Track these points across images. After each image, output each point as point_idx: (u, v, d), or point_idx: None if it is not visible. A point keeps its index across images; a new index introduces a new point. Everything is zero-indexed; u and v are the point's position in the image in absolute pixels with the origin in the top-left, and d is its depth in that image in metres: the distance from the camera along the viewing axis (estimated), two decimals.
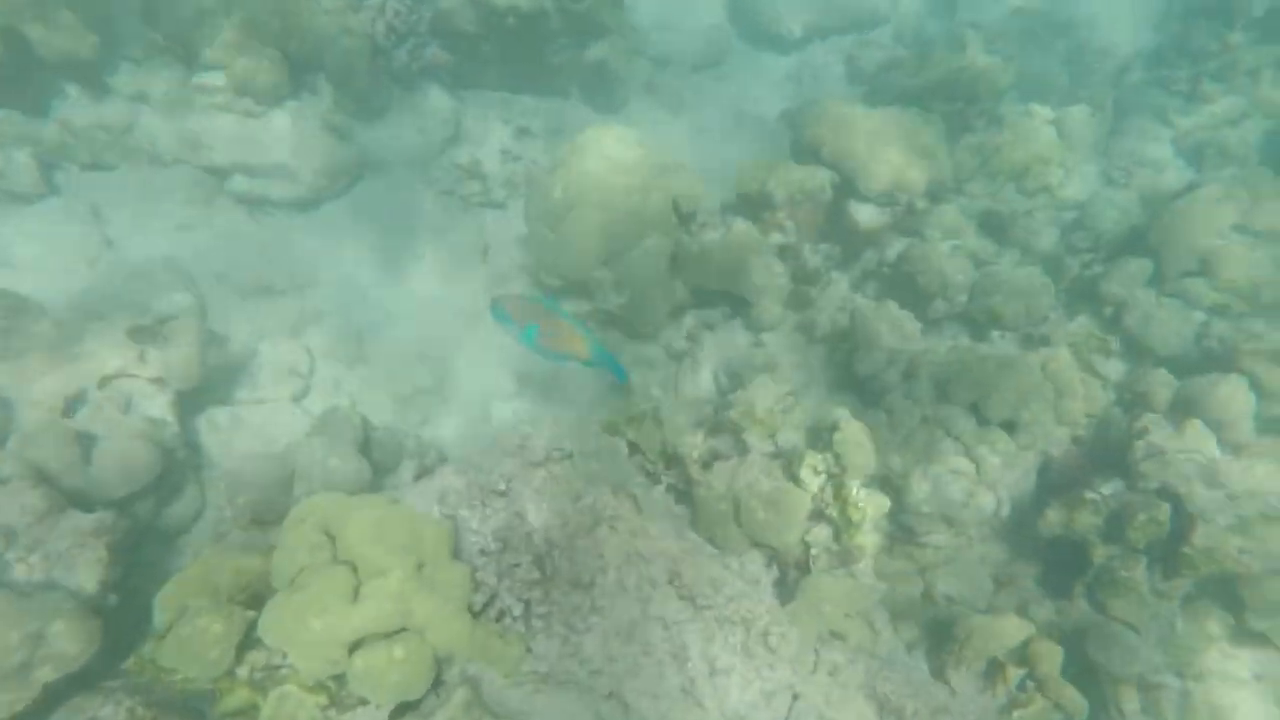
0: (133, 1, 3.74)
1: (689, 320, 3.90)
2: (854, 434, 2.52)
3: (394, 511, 1.93)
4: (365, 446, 2.54)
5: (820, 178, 3.75)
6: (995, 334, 3.43)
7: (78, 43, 3.43)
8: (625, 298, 3.70)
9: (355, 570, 1.83)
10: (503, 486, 2.15)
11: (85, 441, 2.38)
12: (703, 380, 3.67)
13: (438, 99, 4.62)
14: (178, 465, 2.60)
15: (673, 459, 2.68)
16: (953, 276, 3.43)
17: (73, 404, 2.49)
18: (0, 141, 3.34)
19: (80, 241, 3.45)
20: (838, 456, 2.53)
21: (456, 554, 1.99)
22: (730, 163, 4.77)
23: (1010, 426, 2.48)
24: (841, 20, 5.80)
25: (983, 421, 2.52)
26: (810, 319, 3.81)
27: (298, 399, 3.28)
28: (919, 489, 2.46)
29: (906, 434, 2.62)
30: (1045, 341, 3.20)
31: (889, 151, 3.79)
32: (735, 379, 3.44)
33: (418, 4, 4.29)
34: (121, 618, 2.10)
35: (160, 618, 1.81)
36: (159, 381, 2.68)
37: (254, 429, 2.94)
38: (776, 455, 2.55)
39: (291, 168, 3.92)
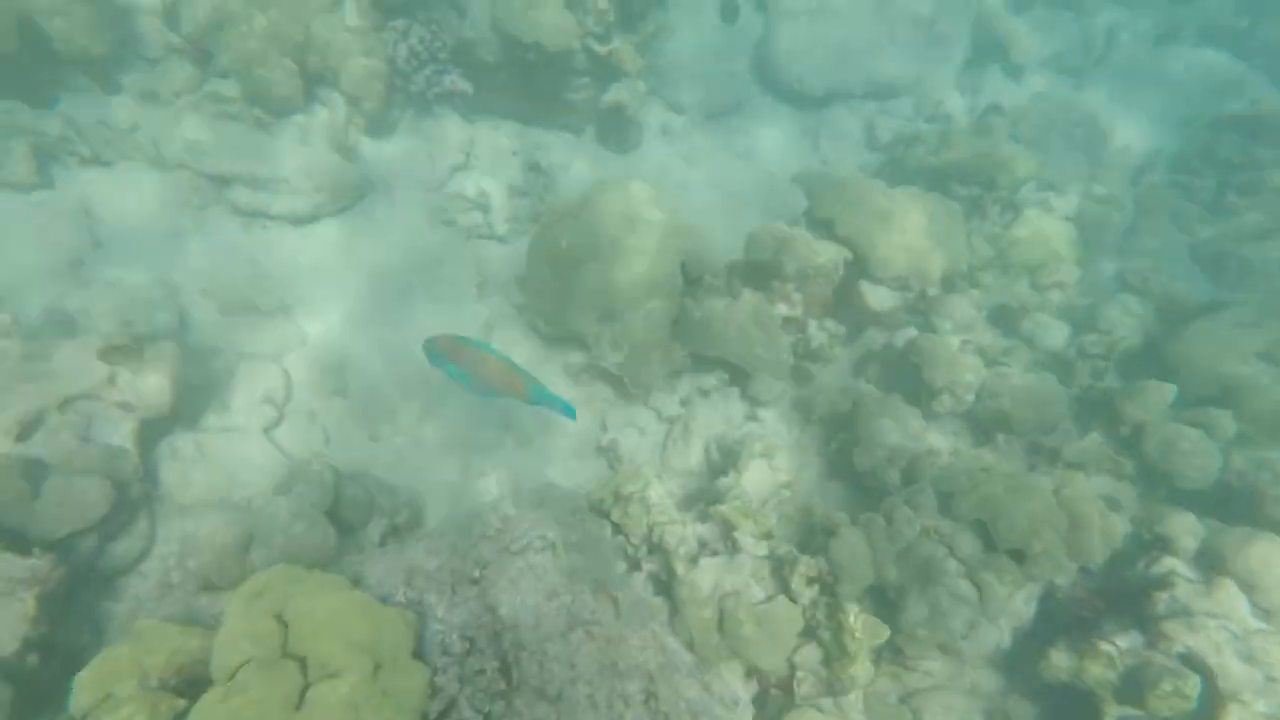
0: (154, 1, 3.63)
1: (684, 384, 3.79)
2: (852, 545, 2.40)
3: (354, 601, 1.78)
4: (335, 507, 2.38)
5: (834, 255, 3.68)
6: (1001, 437, 3.34)
7: (93, 39, 3.31)
8: (622, 356, 3.59)
9: (304, 667, 1.67)
10: (476, 574, 2.00)
11: (36, 470, 2.21)
12: (693, 451, 3.54)
13: (450, 125, 4.53)
14: (130, 500, 2.43)
15: (657, 547, 2.54)
16: (961, 374, 3.34)
17: (30, 427, 2.32)
18: (5, 131, 3.19)
19: (67, 240, 3.30)
20: (833, 567, 2.40)
21: (418, 649, 1.84)
22: (740, 219, 4.73)
23: (1018, 554, 2.37)
24: (864, 86, 5.79)
25: (989, 546, 2.41)
26: (809, 398, 3.71)
27: (269, 429, 3.12)
28: (915, 610, 2.34)
29: (905, 546, 2.50)
30: (1055, 455, 3.10)
31: (907, 236, 3.73)
32: (728, 456, 3.32)
33: (441, 31, 4.22)
34: (41, 672, 1.93)
35: (79, 701, 1.64)
36: (125, 407, 2.52)
37: (217, 461, 2.77)
38: (768, 558, 2.42)
39: (293, 182, 3.80)
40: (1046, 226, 4.28)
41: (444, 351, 2.70)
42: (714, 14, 6.08)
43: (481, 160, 4.53)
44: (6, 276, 3.05)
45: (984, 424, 3.42)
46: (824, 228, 3.93)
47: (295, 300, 3.65)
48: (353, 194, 4.04)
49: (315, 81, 4.04)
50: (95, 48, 3.33)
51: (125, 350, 2.58)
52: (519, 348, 3.86)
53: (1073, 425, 3.34)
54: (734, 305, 3.64)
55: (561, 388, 3.77)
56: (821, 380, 3.82)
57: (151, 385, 2.51)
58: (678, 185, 5.03)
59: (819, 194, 4.00)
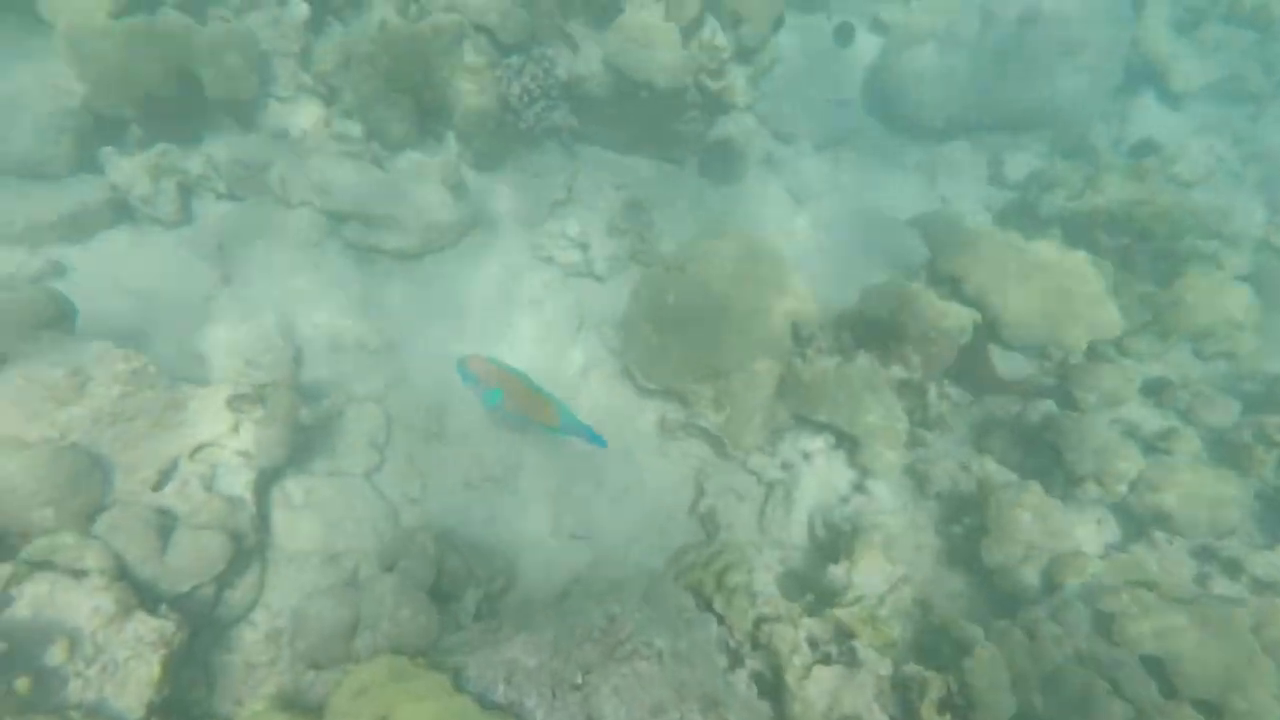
0: (291, 44, 3.79)
1: (786, 446, 3.56)
2: (991, 670, 2.11)
3: (456, 709, 1.70)
4: (436, 580, 2.35)
5: (963, 319, 3.34)
6: (1160, 536, 2.91)
7: (241, 84, 3.49)
8: (723, 418, 3.41)
9: None
10: (579, 679, 1.89)
11: (166, 521, 2.29)
12: (795, 522, 3.31)
13: (553, 159, 4.51)
14: (245, 550, 2.49)
15: (763, 646, 2.34)
16: (1113, 462, 2.94)
17: (165, 476, 2.41)
18: (156, 172, 3.41)
19: (201, 276, 3.48)
20: (967, 692, 2.13)
21: None
22: (850, 262, 4.43)
23: (1210, 708, 2.00)
24: (992, 117, 5.33)
25: (1168, 690, 2.05)
26: (925, 469, 3.39)
27: (371, 473, 3.15)
28: None
29: (1054, 672, 2.18)
30: (1236, 567, 2.66)
31: (1047, 299, 3.35)
32: (835, 535, 3.07)
33: (553, 67, 4.19)
34: None
35: None
36: (246, 455, 2.59)
37: (323, 509, 2.81)
38: (891, 676, 2.17)
39: (403, 219, 3.87)
40: (1215, 285, 3.73)
41: (475, 372, 2.71)
42: (826, 37, 5.79)
43: (582, 195, 4.48)
44: (149, 313, 3.25)
45: (1139, 518, 3.00)
46: (949, 284, 3.59)
47: (399, 338, 3.71)
48: (459, 231, 4.08)
49: (430, 117, 4.11)
50: (242, 91, 3.50)
51: (249, 398, 2.64)
52: (613, 395, 3.76)
53: (1255, 528, 2.87)
54: (845, 367, 3.38)
55: (654, 442, 3.64)
56: (939, 448, 3.49)
57: (271, 436, 2.57)
58: (783, 223, 4.79)
59: (944, 244, 3.67)
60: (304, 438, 3.02)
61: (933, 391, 3.44)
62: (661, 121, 4.56)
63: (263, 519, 2.69)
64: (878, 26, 5.75)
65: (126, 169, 3.43)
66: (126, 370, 2.41)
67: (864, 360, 3.36)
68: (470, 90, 4.01)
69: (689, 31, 4.09)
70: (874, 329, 3.47)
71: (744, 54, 4.37)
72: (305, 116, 3.92)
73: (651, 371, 3.53)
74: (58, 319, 2.50)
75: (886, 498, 3.34)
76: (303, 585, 2.59)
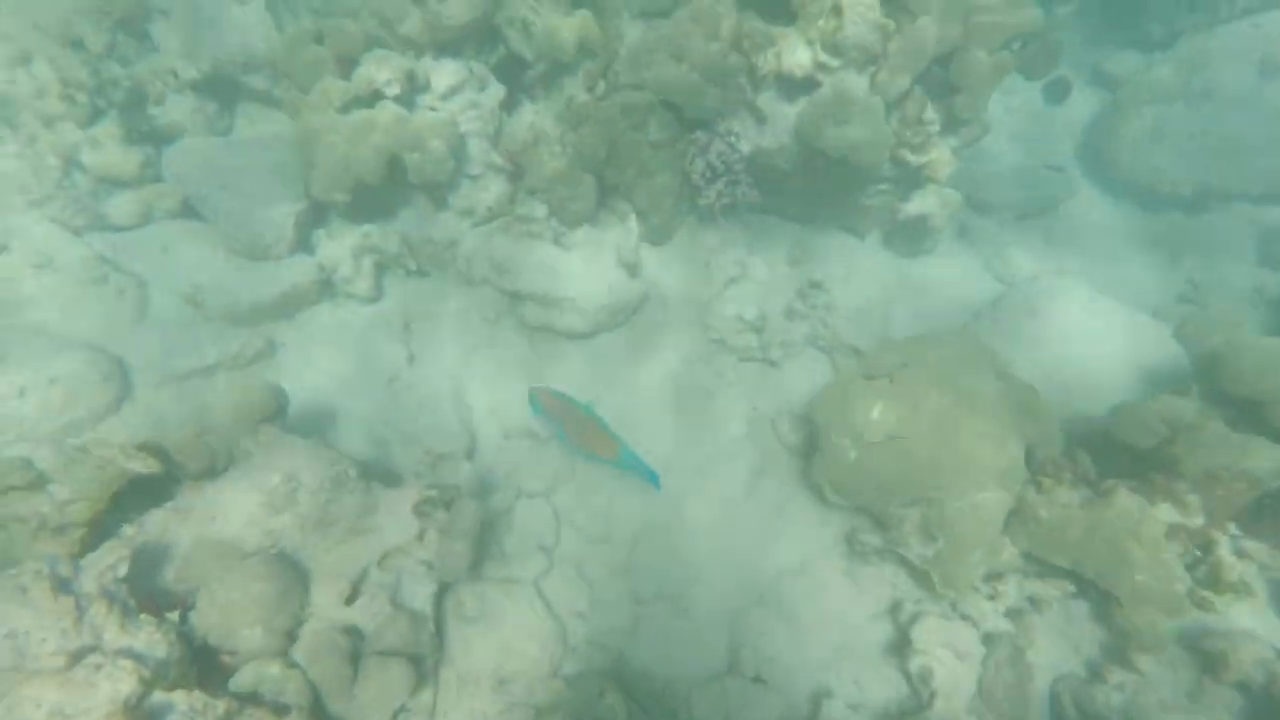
0: (487, 126, 3.86)
1: (1010, 588, 2.98)
2: None
3: None
4: None
5: (1269, 460, 2.62)
6: None
7: (440, 168, 3.58)
8: (934, 551, 2.90)
9: None
10: None
11: (356, 644, 2.21)
12: (1030, 691, 2.71)
13: (730, 234, 4.26)
14: (424, 672, 2.36)
15: None
16: None
17: (358, 588, 2.36)
18: (359, 252, 3.57)
19: (388, 355, 3.56)
20: None
21: None
22: (1079, 366, 3.74)
23: None
24: (1263, 183, 4.41)
25: None
26: (1216, 649, 2.66)
27: (539, 579, 2.99)
28: None
29: None
30: None
31: None
32: None
33: (739, 142, 3.97)
34: None
35: None
36: (429, 566, 2.49)
37: (496, 624, 2.65)
38: None
39: (577, 299, 3.77)
40: None
41: (545, 405, 2.84)
42: (1033, 93, 5.14)
43: (758, 274, 4.19)
44: (342, 395, 3.34)
45: None
46: (1241, 407, 2.87)
47: None
48: (631, 311, 3.93)
49: (610, 194, 4.03)
50: (440, 175, 3.60)
51: (434, 501, 2.56)
52: (793, 505, 3.37)
53: None
54: (1099, 506, 2.76)
55: (839, 562, 3.19)
56: (1234, 621, 2.74)
57: (454, 551, 2.46)
58: (980, 305, 4.20)
59: (1235, 359, 2.94)
60: (479, 534, 2.93)
61: (1224, 545, 2.73)
62: (848, 194, 4.18)
63: (438, 627, 2.59)
64: (1100, 79, 5.02)
65: (334, 250, 3.61)
66: (331, 475, 2.40)
67: (1126, 500, 2.72)
68: (652, 167, 3.88)
69: (894, 102, 3.71)
70: (1134, 457, 2.83)
71: (952, 124, 3.90)
72: (491, 194, 3.97)
73: (845, 487, 3.10)
74: (276, 413, 2.56)
75: (1157, 674, 2.65)
76: (474, 713, 2.43)
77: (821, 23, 3.49)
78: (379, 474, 2.79)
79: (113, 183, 3.42)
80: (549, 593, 2.95)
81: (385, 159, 3.47)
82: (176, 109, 3.65)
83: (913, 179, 4.06)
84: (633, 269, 3.94)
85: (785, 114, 3.92)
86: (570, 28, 3.81)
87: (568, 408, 2.81)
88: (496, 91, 3.91)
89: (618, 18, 4.03)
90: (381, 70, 3.43)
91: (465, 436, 3.28)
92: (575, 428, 2.80)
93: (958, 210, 4.21)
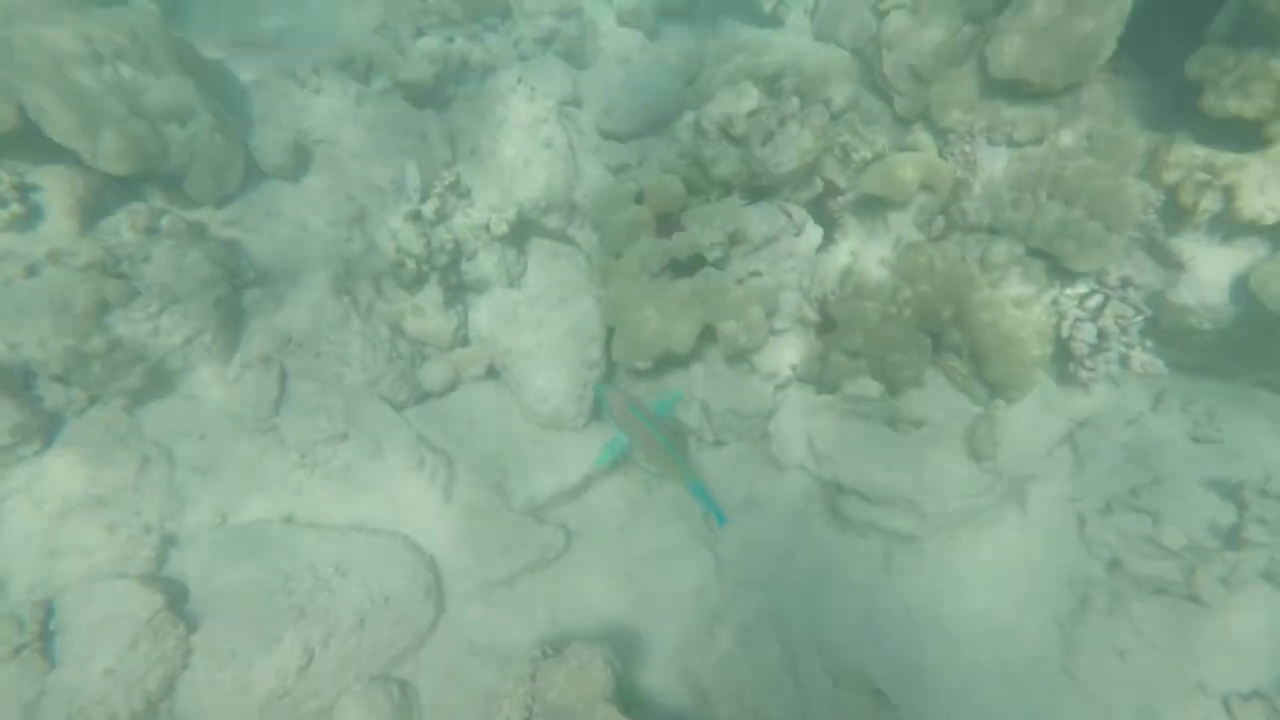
0: (803, 278, 3.33)
1: None
2: None
3: None
4: None
5: None
6: None
7: (756, 336, 3.11)
8: None
9: None
10: None
11: None
12: None
13: (1111, 401, 3.26)
14: None
15: None
16: None
17: None
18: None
19: (698, 562, 3.08)
20: None
21: None
22: None
23: None
24: None
25: None
26: None
27: None
28: None
29: None
30: None
31: None
32: None
33: (1141, 301, 3.00)
34: None
35: None
36: None
37: None
38: None
39: (912, 496, 3.03)
40: None
41: (612, 406, 2.68)
42: None
43: (1167, 470, 3.11)
44: (639, 613, 2.90)
45: None
46: None
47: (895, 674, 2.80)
48: (981, 510, 3.09)
49: (943, 353, 3.27)
50: (755, 344, 3.15)
51: None
52: None
53: None
54: None
55: None
56: None
57: None
58: None
59: None
60: None
61: None
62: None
63: None
64: None
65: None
66: None
67: None
68: (1016, 331, 3.05)
69: None
70: None
71: None
72: (796, 352, 3.40)
73: None
74: (613, 691, 2.13)
75: None
76: None
77: None
78: None
79: (428, 347, 3.40)
80: None
81: (696, 328, 3.06)
82: (485, 262, 3.60)
83: None
84: (984, 458, 3.10)
85: (1219, 263, 2.89)
86: (914, 165, 3.16)
87: (636, 422, 2.62)
88: (813, 237, 3.37)
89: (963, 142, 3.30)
90: (707, 232, 3.04)
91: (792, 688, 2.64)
92: (639, 441, 2.66)
93: None
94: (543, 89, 3.78)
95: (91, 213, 2.95)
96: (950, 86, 3.23)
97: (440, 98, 3.91)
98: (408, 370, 3.28)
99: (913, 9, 3.43)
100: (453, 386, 3.38)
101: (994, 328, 3.06)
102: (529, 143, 3.72)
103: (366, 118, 3.74)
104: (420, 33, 4.16)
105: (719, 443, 3.39)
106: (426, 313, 3.38)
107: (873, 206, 3.46)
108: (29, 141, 2.68)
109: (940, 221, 3.36)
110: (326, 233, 3.46)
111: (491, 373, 3.45)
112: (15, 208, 2.74)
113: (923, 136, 3.35)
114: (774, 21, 4.24)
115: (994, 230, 3.17)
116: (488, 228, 3.57)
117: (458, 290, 3.58)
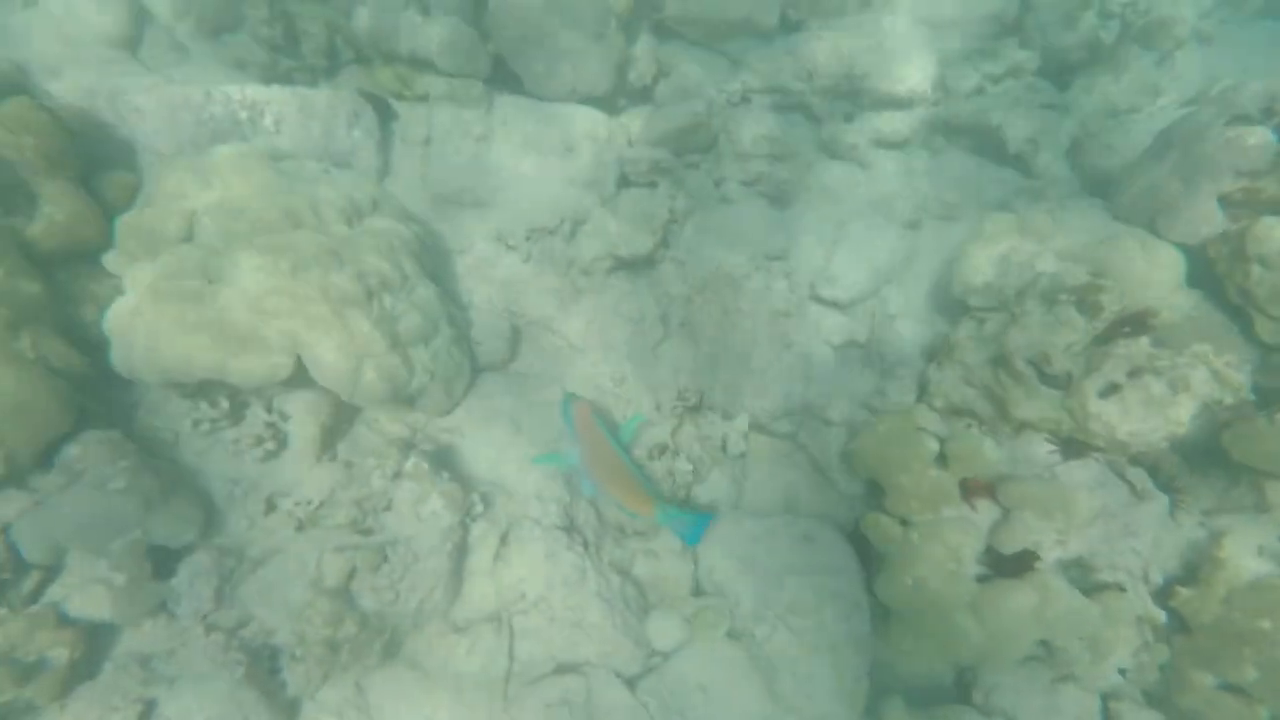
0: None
1: None
2: None
3: None
4: None
5: None
6: None
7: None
8: None
9: None
10: None
11: None
12: None
13: None
14: None
15: None
16: None
17: None
18: None
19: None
20: None
21: None
22: None
23: None
24: None
25: None
26: None
27: None
28: None
29: None
30: None
31: None
32: None
33: None
34: None
35: None
36: None
37: None
38: None
39: None
40: None
41: (575, 416, 2.47)
42: None
43: None
44: None
45: None
46: None
47: None
48: None
49: None
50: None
51: None
52: None
53: None
54: None
55: None
56: None
57: None
58: None
59: None
60: None
61: None
62: None
63: None
64: None
65: None
66: None
67: None
68: None
69: None
70: None
71: None
72: (1126, 649, 2.61)
73: None
74: None
75: None
76: None
77: None
78: None
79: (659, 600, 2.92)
80: None
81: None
82: (719, 482, 3.12)
83: None
84: None
85: None
86: None
87: (600, 439, 2.34)
88: (1158, 507, 2.62)
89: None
90: (1041, 526, 2.39)
91: None
92: (600, 465, 2.32)
93: None
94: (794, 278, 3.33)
95: (330, 434, 2.75)
96: None
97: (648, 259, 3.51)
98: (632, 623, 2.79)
99: None
100: (682, 644, 2.86)
101: None
102: (771, 345, 3.26)
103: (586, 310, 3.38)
104: (626, 180, 3.67)
105: None
106: (660, 556, 2.92)
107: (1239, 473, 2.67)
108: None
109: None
110: None
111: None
112: (269, 445, 2.57)
113: None
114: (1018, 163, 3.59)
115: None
116: (724, 445, 3.11)
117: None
